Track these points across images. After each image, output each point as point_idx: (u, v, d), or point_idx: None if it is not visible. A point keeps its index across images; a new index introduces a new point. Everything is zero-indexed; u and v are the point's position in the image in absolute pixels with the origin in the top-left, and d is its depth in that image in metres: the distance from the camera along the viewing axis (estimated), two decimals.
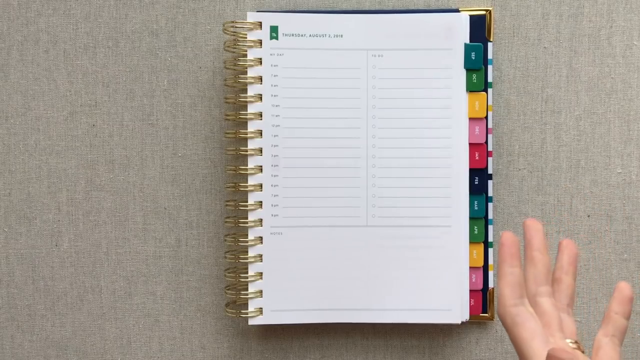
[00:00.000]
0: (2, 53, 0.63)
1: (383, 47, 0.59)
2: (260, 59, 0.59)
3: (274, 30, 0.59)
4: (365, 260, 0.60)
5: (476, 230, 0.61)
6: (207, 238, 0.63)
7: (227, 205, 0.61)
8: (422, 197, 0.60)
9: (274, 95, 0.59)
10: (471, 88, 0.60)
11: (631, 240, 0.63)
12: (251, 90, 0.59)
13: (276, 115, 0.59)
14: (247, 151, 0.59)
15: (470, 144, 0.60)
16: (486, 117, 0.60)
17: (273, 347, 0.64)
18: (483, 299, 0.62)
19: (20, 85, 0.63)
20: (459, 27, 0.60)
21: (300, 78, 0.59)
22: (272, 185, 0.60)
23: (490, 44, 0.61)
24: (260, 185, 0.60)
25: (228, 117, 0.60)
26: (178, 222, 0.63)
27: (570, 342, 0.48)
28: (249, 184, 0.60)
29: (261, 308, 0.60)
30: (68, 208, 0.63)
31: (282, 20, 0.59)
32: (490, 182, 0.61)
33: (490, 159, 0.61)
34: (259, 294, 0.60)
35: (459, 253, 0.60)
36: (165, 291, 0.64)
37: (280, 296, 0.60)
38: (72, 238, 0.63)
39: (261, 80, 0.59)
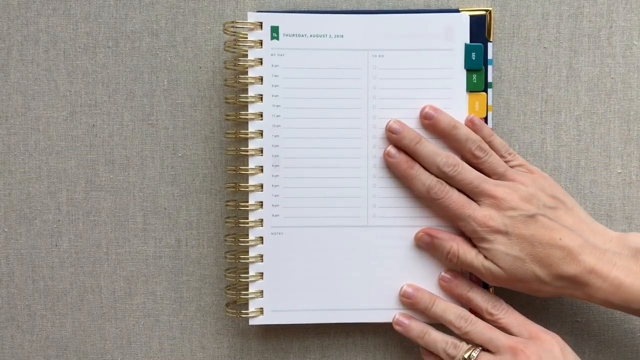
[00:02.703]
0: (2, 53, 0.62)
1: (383, 48, 0.59)
2: (261, 59, 0.59)
3: (274, 30, 0.59)
4: (366, 260, 0.60)
5: None
6: (207, 238, 0.63)
7: (227, 205, 0.61)
8: None
9: (275, 96, 0.59)
10: (471, 88, 0.60)
11: None
12: (252, 91, 0.59)
13: (277, 116, 0.59)
14: (247, 151, 0.59)
15: None
16: (486, 117, 0.60)
17: (273, 347, 0.64)
18: None
19: (20, 85, 0.63)
20: (459, 27, 0.60)
21: (301, 78, 0.59)
22: (272, 186, 0.60)
23: (490, 44, 0.61)
24: (261, 186, 0.60)
25: (228, 117, 0.60)
26: (178, 222, 0.63)
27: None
28: (249, 184, 0.60)
29: (262, 308, 0.60)
30: (68, 208, 0.63)
31: (283, 21, 0.59)
32: None
33: None
34: (259, 294, 0.60)
35: None
36: (165, 291, 0.64)
37: (281, 296, 0.60)
38: (72, 238, 0.63)
39: (262, 81, 0.59)
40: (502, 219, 0.55)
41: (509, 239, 0.55)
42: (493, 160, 0.58)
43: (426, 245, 0.59)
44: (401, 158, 0.58)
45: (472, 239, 0.57)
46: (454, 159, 0.57)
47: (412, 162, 0.58)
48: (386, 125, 0.59)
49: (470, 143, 0.58)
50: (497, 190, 0.56)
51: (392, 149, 0.59)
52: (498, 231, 0.55)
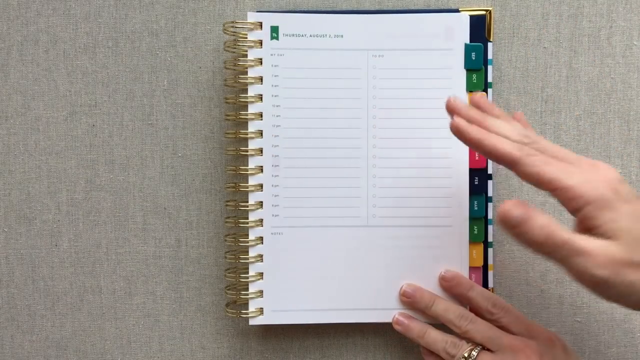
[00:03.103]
0: (2, 53, 0.62)
1: (383, 47, 0.59)
2: (261, 59, 0.59)
3: (274, 30, 0.59)
4: (366, 260, 0.60)
5: (476, 230, 0.61)
6: (207, 238, 0.63)
7: (227, 205, 0.61)
8: (422, 197, 0.60)
9: (275, 96, 0.59)
10: (471, 88, 0.60)
11: None
12: (251, 91, 0.59)
13: (277, 116, 0.59)
14: (247, 151, 0.59)
15: None
16: None
17: (273, 347, 0.64)
18: None
19: (20, 85, 0.63)
20: (459, 27, 0.60)
21: (300, 78, 0.59)
22: (272, 186, 0.60)
23: (490, 44, 0.61)
24: (261, 186, 0.60)
25: (228, 117, 0.60)
26: (178, 222, 0.63)
27: None
28: (249, 184, 0.60)
29: (262, 308, 0.60)
30: (68, 208, 0.63)
31: (283, 21, 0.59)
32: (490, 182, 0.61)
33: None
34: (259, 294, 0.60)
35: (458, 253, 0.60)
36: (165, 291, 0.64)
37: (281, 296, 0.60)
38: (72, 238, 0.63)
39: (261, 81, 0.59)
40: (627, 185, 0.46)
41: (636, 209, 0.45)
42: None
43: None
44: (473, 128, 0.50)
45: (576, 214, 0.47)
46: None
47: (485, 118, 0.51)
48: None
49: None
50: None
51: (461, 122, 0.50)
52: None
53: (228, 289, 0.61)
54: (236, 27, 0.59)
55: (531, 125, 0.57)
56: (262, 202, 0.60)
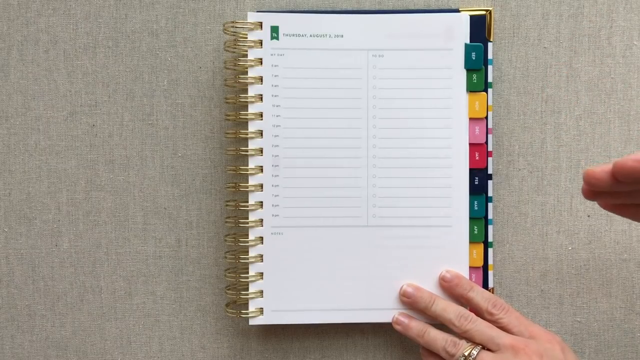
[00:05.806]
0: (2, 53, 0.62)
1: (383, 47, 0.59)
2: (261, 59, 0.59)
3: (274, 30, 0.59)
4: (366, 260, 0.60)
5: (476, 230, 0.61)
6: (207, 238, 0.63)
7: (227, 205, 0.61)
8: (422, 197, 0.60)
9: (275, 96, 0.59)
10: (471, 88, 0.60)
11: (631, 240, 0.63)
12: (252, 91, 0.59)
13: (277, 116, 0.59)
14: (247, 151, 0.59)
15: (470, 144, 0.60)
16: (486, 117, 0.60)
17: (273, 347, 0.64)
18: None
19: (20, 85, 0.63)
20: (459, 27, 0.60)
21: (300, 78, 0.59)
22: (272, 186, 0.60)
23: (490, 44, 0.61)
24: (261, 186, 0.60)
25: (228, 117, 0.60)
26: (178, 222, 0.63)
27: None
28: (249, 184, 0.60)
29: (262, 308, 0.60)
30: (68, 208, 0.63)
31: (283, 21, 0.59)
32: (490, 182, 0.61)
33: (490, 159, 0.61)
34: (259, 294, 0.60)
35: (459, 253, 0.60)
36: (165, 291, 0.64)
37: (281, 296, 0.60)
38: (72, 238, 0.63)
39: (262, 81, 0.59)
40: None
41: None
42: None
43: None
44: None
45: None
46: None
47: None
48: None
49: None
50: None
51: None
52: None
53: (228, 289, 0.61)
54: (236, 27, 0.59)
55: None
56: (262, 202, 0.60)
